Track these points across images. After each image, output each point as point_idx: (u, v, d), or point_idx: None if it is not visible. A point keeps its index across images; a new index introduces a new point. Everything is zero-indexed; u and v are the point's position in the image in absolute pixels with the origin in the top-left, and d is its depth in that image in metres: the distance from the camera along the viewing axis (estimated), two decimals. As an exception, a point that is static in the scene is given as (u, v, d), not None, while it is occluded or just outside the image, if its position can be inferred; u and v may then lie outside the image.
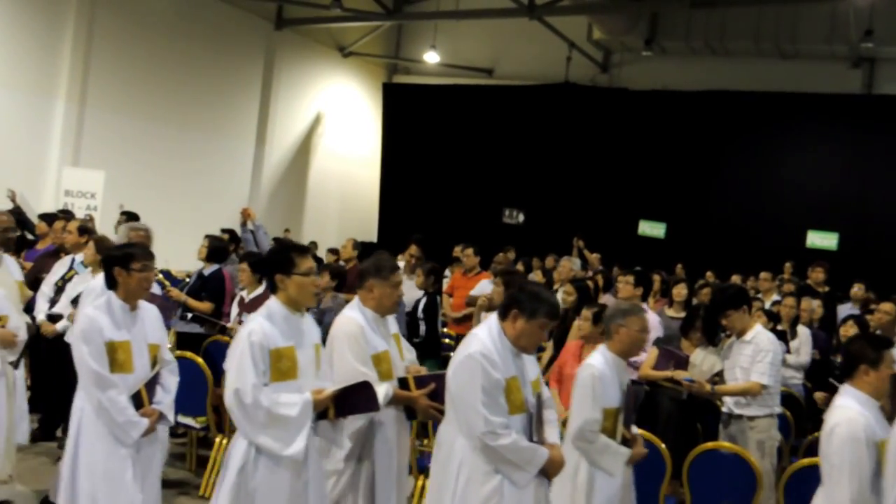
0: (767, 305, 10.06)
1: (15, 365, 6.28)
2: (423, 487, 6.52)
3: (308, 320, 4.78)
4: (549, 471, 4.48)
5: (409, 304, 9.18)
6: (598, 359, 5.14)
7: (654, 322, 8.30)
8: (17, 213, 12.71)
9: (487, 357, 4.40)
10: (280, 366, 4.49)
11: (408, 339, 7.97)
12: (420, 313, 8.71)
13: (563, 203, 20.99)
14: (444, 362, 8.94)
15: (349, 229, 20.95)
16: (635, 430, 5.29)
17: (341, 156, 24.33)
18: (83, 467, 4.74)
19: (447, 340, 10.29)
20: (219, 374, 6.49)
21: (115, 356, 4.79)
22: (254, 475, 4.41)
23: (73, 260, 8.09)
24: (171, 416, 5.04)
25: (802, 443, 7.10)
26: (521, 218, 21.94)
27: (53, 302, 7.74)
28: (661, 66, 21.74)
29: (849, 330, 7.71)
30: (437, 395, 4.96)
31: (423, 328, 8.95)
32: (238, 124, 21.27)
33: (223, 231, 12.43)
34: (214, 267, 9.37)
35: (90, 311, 4.88)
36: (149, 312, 5.12)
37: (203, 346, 7.96)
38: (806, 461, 5.94)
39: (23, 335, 5.72)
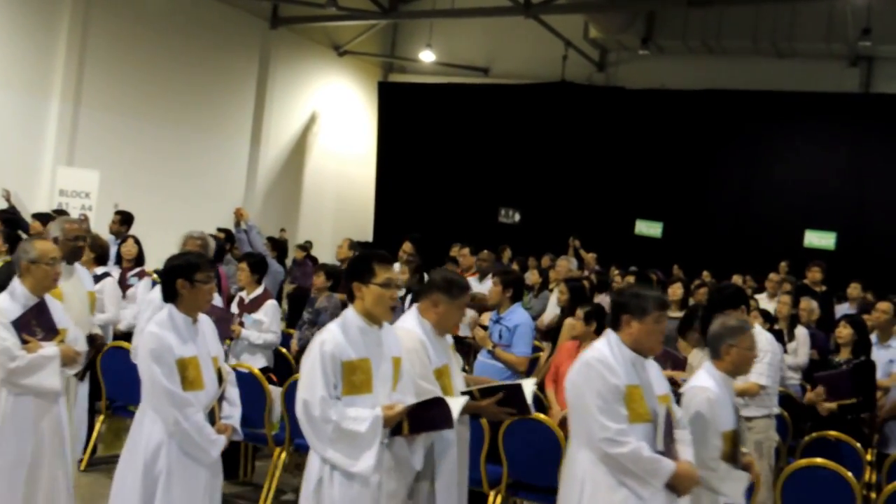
0: (770, 306, 10.05)
1: (80, 377, 6.23)
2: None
3: (387, 332, 4.55)
4: (678, 487, 4.30)
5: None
6: (709, 380, 4.85)
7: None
8: (12, 213, 12.68)
9: (604, 362, 4.30)
10: (353, 379, 4.30)
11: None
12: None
13: (560, 202, 20.96)
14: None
15: (345, 229, 20.93)
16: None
17: (337, 155, 24.28)
18: (159, 491, 4.49)
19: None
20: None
21: (186, 373, 4.58)
22: (330, 490, 4.27)
23: (66, 259, 8.07)
24: (240, 431, 4.88)
25: (800, 443, 7.07)
26: (517, 217, 21.92)
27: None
28: (658, 65, 21.71)
29: (843, 330, 7.67)
30: (509, 404, 4.82)
31: None
32: (233, 123, 21.22)
33: (219, 230, 12.41)
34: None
35: (155, 328, 4.61)
36: (206, 324, 4.90)
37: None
38: (804, 462, 5.93)
39: (81, 347, 5.41)
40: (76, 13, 17.08)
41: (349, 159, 24.65)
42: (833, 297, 12.10)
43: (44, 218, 10.42)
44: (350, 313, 4.45)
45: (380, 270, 4.41)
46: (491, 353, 7.12)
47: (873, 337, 8.64)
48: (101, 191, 15.56)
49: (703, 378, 4.87)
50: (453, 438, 4.88)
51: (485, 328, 7.39)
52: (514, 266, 14.02)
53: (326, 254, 18.60)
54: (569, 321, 7.97)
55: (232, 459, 7.46)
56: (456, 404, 4.49)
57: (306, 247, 16.33)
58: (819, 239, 18.75)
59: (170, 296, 4.71)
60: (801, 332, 9.07)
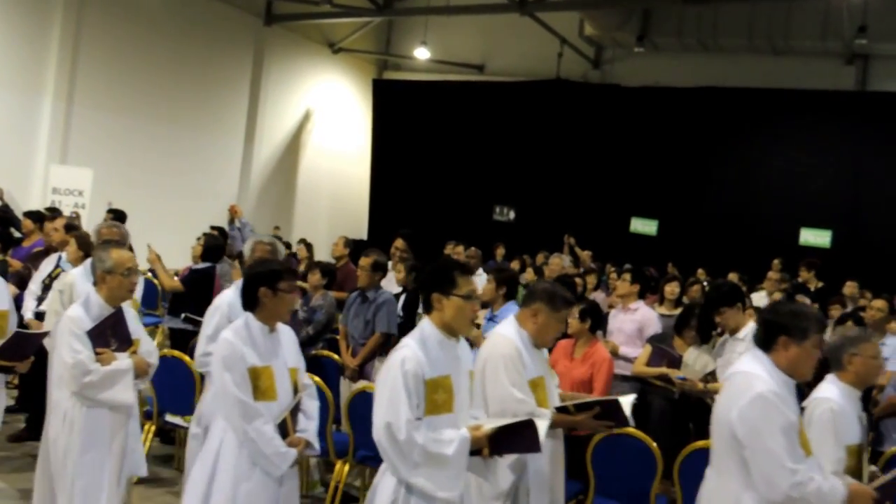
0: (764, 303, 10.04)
1: None
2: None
3: (463, 345, 4.32)
4: None
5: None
6: (833, 391, 4.61)
7: (652, 319, 8.29)
8: (4, 211, 12.68)
9: (779, 395, 3.96)
10: (436, 398, 4.08)
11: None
12: (399, 310, 8.64)
13: (555, 200, 20.93)
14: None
15: (339, 226, 20.91)
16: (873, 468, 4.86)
17: (331, 152, 24.24)
18: (227, 499, 4.45)
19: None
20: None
21: (258, 383, 4.52)
22: None
23: (59, 258, 8.09)
24: (316, 445, 4.79)
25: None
26: (512, 215, 21.91)
27: (41, 299, 7.72)
28: (653, 63, 21.68)
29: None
30: (608, 417, 4.72)
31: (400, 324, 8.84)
32: (227, 121, 21.17)
33: (212, 228, 12.40)
34: (206, 264, 9.34)
35: (229, 335, 4.58)
36: (286, 335, 4.83)
37: (190, 344, 7.88)
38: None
39: (154, 359, 5.36)
40: (69, 11, 17.02)
41: (344, 157, 24.62)
42: (829, 295, 12.09)
43: (36, 216, 10.41)
44: (427, 326, 4.22)
45: (462, 281, 4.20)
46: None
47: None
48: (94, 189, 15.56)
49: (827, 389, 4.66)
50: (545, 455, 4.76)
51: (478, 326, 7.37)
52: (514, 264, 14.04)
53: (321, 252, 18.53)
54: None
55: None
56: (541, 425, 4.28)
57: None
58: (815, 237, 18.76)
59: (250, 304, 4.66)
60: (797, 329, 9.03)
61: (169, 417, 7.39)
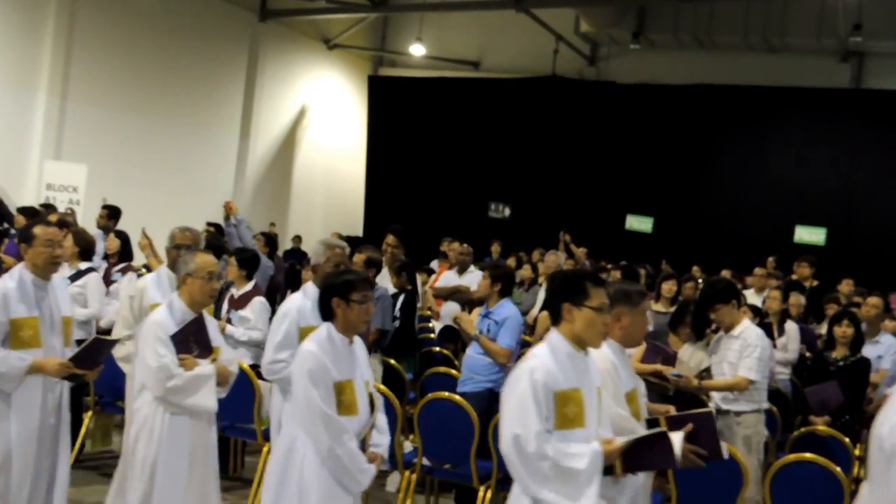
0: (758, 301, 10.04)
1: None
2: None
3: (591, 360, 4.16)
4: None
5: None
6: None
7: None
8: (-2, 207, 12.65)
9: None
10: (566, 411, 3.90)
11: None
12: (397, 311, 8.63)
13: (550, 197, 20.93)
14: (423, 359, 8.89)
15: (334, 223, 20.92)
16: None
17: (326, 149, 24.23)
18: None
19: (431, 335, 10.25)
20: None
21: (342, 397, 4.42)
22: None
23: (55, 255, 8.02)
24: (387, 460, 4.76)
25: (789, 438, 7.07)
26: (507, 212, 21.91)
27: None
28: (649, 60, 21.69)
29: (846, 329, 7.64)
30: (697, 438, 4.32)
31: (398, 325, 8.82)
32: (222, 117, 21.15)
33: (208, 224, 12.34)
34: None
35: (314, 347, 4.47)
36: (360, 346, 4.74)
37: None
38: (792, 457, 5.93)
39: (235, 369, 5.25)
40: (63, 6, 16.99)
41: (339, 153, 24.60)
42: (823, 292, 12.09)
43: (30, 212, 10.39)
44: (556, 337, 4.06)
45: (594, 293, 4.03)
46: (476, 339, 7.08)
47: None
48: (88, 185, 15.50)
49: None
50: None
51: None
52: (510, 261, 14.04)
53: (316, 248, 18.54)
54: (543, 315, 7.97)
55: (221, 455, 7.43)
56: (677, 439, 4.09)
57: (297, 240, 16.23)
58: (809, 234, 18.78)
59: (326, 314, 4.59)
60: (792, 327, 9.08)
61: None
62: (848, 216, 18.83)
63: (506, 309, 7.21)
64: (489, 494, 6.38)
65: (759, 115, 19.73)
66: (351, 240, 13.14)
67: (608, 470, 3.93)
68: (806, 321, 10.12)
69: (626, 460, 3.96)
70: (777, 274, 12.70)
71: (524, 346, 8.72)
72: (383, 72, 25.89)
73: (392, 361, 7.88)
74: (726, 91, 20.02)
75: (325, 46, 24.03)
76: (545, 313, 7.88)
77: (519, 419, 3.83)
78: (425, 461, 6.63)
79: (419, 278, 10.56)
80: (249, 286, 8.10)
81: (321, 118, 24.00)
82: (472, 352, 7.15)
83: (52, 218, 9.07)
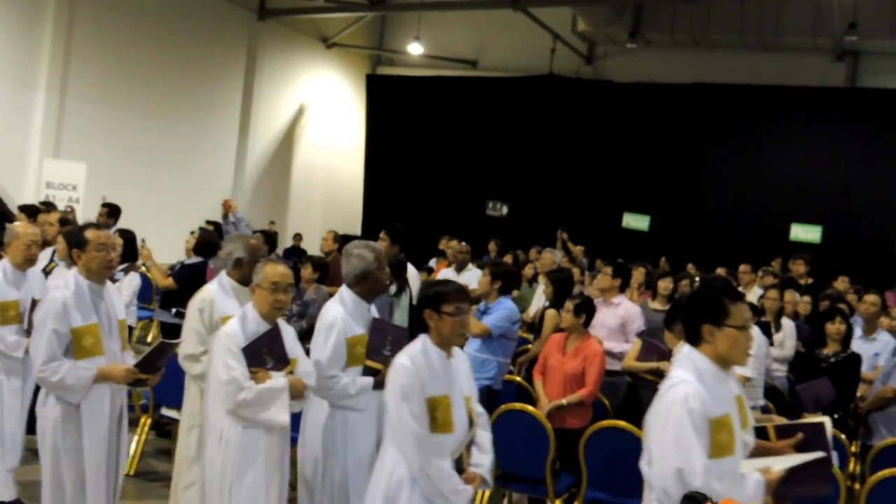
0: (749, 298, 10.06)
1: None
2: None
3: (734, 378, 3.93)
4: None
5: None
6: None
7: (635, 314, 8.32)
8: (-2, 205, 12.65)
9: None
10: (719, 439, 3.69)
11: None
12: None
13: (547, 195, 20.98)
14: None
15: (333, 221, 20.93)
16: None
17: (325, 147, 24.27)
18: None
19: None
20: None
21: (436, 414, 4.25)
22: None
23: (53, 251, 8.08)
24: (490, 480, 4.53)
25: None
26: (505, 210, 21.95)
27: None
28: (646, 59, 21.75)
29: (840, 326, 7.69)
30: (807, 451, 4.01)
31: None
32: (221, 115, 21.18)
33: (208, 223, 12.40)
34: (198, 259, 9.35)
35: (407, 361, 4.29)
36: (461, 360, 4.56)
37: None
38: (789, 453, 5.95)
39: (311, 381, 5.03)
40: (62, 5, 17.00)
41: (337, 152, 24.64)
42: (818, 290, 12.14)
43: (31, 210, 10.41)
44: (700, 360, 3.84)
45: (734, 310, 3.82)
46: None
47: (858, 330, 8.72)
48: (88, 183, 15.52)
49: None
50: None
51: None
52: (507, 259, 14.09)
53: (315, 246, 18.59)
54: (550, 312, 8.01)
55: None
56: (796, 460, 3.84)
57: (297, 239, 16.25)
58: (805, 232, 18.83)
59: (420, 326, 4.44)
60: (788, 324, 9.10)
61: (164, 411, 7.41)
62: (843, 214, 18.89)
63: (503, 305, 7.27)
64: (487, 493, 6.44)
65: (754, 113, 19.79)
66: (350, 238, 13.15)
67: None
68: (806, 320, 10.15)
69: (781, 489, 3.74)
70: (768, 270, 12.75)
71: (521, 343, 8.81)
72: (381, 71, 25.94)
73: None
74: (722, 90, 20.09)
75: (324, 45, 24.07)
76: (552, 311, 7.95)
77: (680, 452, 3.62)
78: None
79: (420, 277, 10.58)
80: (247, 284, 8.13)
81: (320, 117, 24.03)
82: (469, 350, 7.21)
83: (54, 216, 9.12)
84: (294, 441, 5.33)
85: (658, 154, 20.39)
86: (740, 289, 11.29)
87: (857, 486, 6.68)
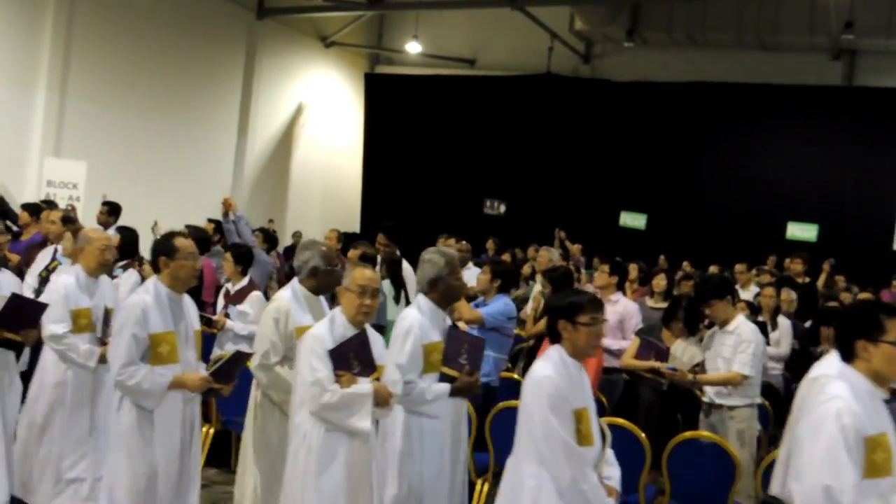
0: (745, 296, 10.11)
1: None
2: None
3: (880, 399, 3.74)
4: None
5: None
6: None
7: (633, 311, 8.37)
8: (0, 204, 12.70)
9: None
10: (875, 458, 3.52)
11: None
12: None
13: (545, 194, 21.04)
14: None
15: (332, 219, 20.95)
16: None
17: (324, 146, 24.28)
18: None
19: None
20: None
21: (580, 426, 4.13)
22: None
23: (55, 250, 8.08)
24: (619, 492, 4.44)
25: (781, 433, 7.14)
26: (503, 209, 22.00)
27: (38, 293, 7.71)
28: (643, 58, 21.81)
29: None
30: None
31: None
32: (220, 114, 21.18)
33: (209, 221, 12.37)
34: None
35: (550, 372, 4.16)
36: (584, 373, 4.44)
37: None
38: (785, 450, 6.01)
39: (398, 390, 4.92)
40: (61, 4, 16.98)
41: (336, 150, 24.66)
42: (815, 289, 12.20)
43: (33, 208, 10.44)
44: (854, 376, 3.71)
45: (890, 325, 3.67)
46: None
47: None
48: (88, 181, 15.55)
49: None
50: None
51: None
52: (505, 258, 14.12)
53: (313, 245, 18.60)
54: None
55: (224, 450, 7.54)
56: None
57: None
58: (801, 231, 18.91)
59: (554, 337, 4.35)
60: (784, 322, 9.13)
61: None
62: (840, 213, 18.96)
63: (501, 303, 7.31)
64: (486, 488, 6.47)
65: (751, 112, 19.86)
66: (348, 236, 13.22)
67: None
68: (798, 317, 10.21)
69: None
70: (763, 269, 12.79)
71: (518, 340, 8.85)
72: (380, 69, 25.96)
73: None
74: (719, 89, 20.16)
75: (322, 44, 24.08)
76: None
77: (829, 469, 3.49)
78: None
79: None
80: (245, 281, 8.20)
81: (318, 115, 24.05)
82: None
83: (56, 215, 9.13)
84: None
85: (655, 153, 20.46)
86: (737, 287, 11.37)
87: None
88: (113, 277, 8.60)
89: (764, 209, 19.29)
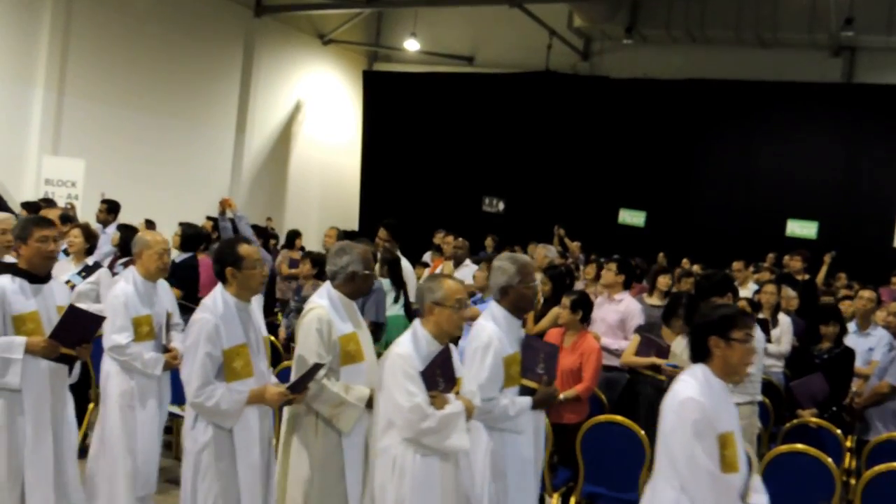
0: (743, 294, 10.10)
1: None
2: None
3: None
4: None
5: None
6: None
7: (636, 311, 8.35)
8: (-1, 203, 12.68)
9: None
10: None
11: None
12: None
13: (544, 191, 21.02)
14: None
15: (331, 217, 20.93)
16: None
17: (322, 144, 24.27)
18: None
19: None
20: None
21: (725, 452, 3.82)
22: None
23: (55, 250, 8.04)
24: None
25: (781, 430, 7.16)
26: (502, 206, 21.97)
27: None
28: (642, 55, 21.79)
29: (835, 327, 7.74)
30: None
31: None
32: (218, 112, 21.16)
33: (208, 219, 12.38)
34: (187, 255, 9.37)
35: (695, 394, 3.86)
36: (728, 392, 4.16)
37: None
38: (784, 448, 6.01)
39: (477, 401, 4.78)
40: (59, 2, 16.97)
41: (334, 148, 24.65)
42: (815, 286, 12.18)
43: (33, 207, 10.43)
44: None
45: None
46: None
47: (853, 325, 8.76)
48: (87, 180, 15.53)
49: None
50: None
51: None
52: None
53: (313, 242, 18.63)
54: (555, 310, 8.03)
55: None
56: None
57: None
58: (801, 228, 18.87)
59: (701, 354, 4.03)
60: (784, 320, 9.12)
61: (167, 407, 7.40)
62: (840, 210, 18.94)
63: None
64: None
65: (751, 109, 19.85)
66: (347, 234, 13.18)
67: None
68: (799, 314, 10.20)
69: None
70: (761, 266, 12.78)
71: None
72: (378, 67, 25.93)
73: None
74: (719, 85, 20.13)
75: (320, 42, 24.06)
76: (556, 309, 7.96)
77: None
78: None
79: (415, 272, 10.60)
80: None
81: (316, 113, 24.03)
82: (464, 344, 7.24)
83: (55, 213, 9.13)
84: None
85: (654, 150, 20.45)
86: (736, 285, 11.36)
87: (852, 481, 6.72)
88: (114, 275, 8.65)
89: (763, 206, 19.27)
